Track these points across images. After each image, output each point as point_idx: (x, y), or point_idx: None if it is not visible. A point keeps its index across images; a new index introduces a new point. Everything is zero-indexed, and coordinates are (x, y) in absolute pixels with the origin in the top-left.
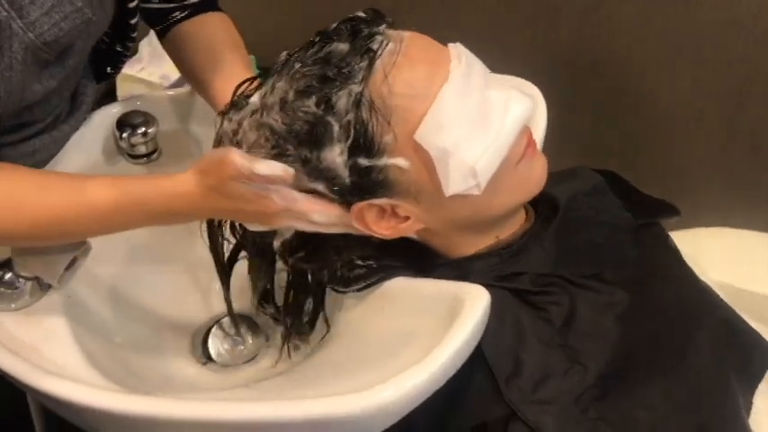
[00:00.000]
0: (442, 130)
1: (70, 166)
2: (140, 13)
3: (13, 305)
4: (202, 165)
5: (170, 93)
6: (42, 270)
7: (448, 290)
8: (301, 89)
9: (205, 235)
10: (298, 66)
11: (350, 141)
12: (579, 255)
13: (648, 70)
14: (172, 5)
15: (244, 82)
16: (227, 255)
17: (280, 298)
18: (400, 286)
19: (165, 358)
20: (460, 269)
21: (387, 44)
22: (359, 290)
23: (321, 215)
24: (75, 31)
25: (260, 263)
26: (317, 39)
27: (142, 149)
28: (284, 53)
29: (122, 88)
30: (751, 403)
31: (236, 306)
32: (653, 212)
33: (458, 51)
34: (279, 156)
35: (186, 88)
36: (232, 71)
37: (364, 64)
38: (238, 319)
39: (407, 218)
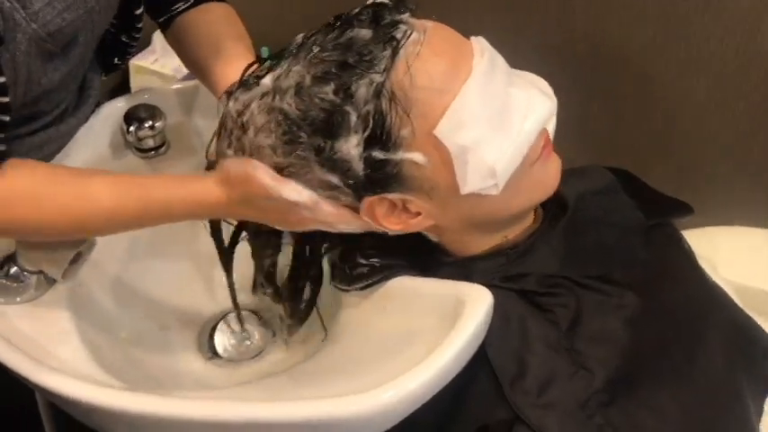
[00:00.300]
0: (462, 127)
1: (77, 159)
2: (144, 5)
3: (18, 298)
4: (227, 176)
5: (177, 86)
6: (47, 264)
7: (450, 290)
8: (319, 75)
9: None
10: (316, 50)
11: (367, 133)
12: (587, 256)
13: (667, 65)
14: None
15: (254, 62)
16: (227, 240)
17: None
18: (403, 285)
19: (170, 353)
20: (466, 269)
21: (410, 33)
22: (361, 288)
23: (346, 226)
24: (79, 21)
25: (265, 241)
26: (338, 23)
27: (150, 143)
28: (300, 35)
29: (136, 80)
30: (762, 407)
31: (243, 301)
32: (666, 212)
33: (481, 46)
34: (290, 142)
35: (194, 81)
36: (235, 58)
37: (387, 53)
38: (245, 314)
39: (418, 214)
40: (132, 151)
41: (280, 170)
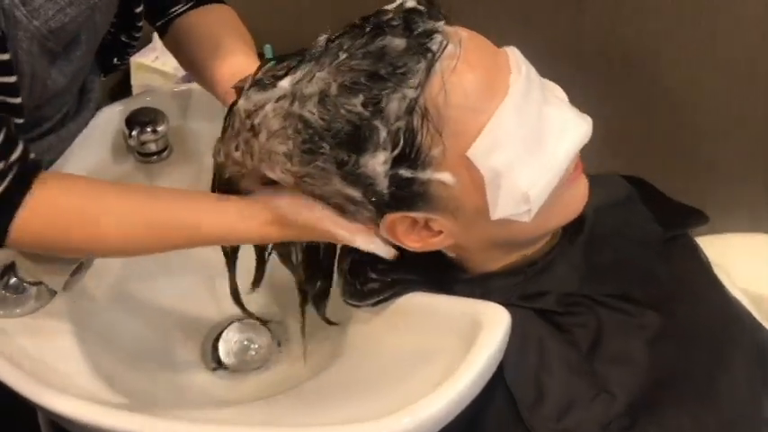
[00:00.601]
0: (497, 150)
1: (77, 165)
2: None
3: (17, 310)
4: (283, 219)
5: (181, 88)
6: (47, 275)
7: (466, 309)
8: (347, 84)
9: None
10: (344, 57)
11: (397, 151)
12: (606, 273)
13: (680, 66)
14: None
15: (269, 60)
16: None
17: None
18: (416, 302)
19: (174, 364)
20: (482, 286)
21: (446, 45)
22: (373, 305)
23: (376, 249)
24: (82, 17)
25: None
26: (367, 28)
27: (152, 147)
28: (323, 37)
29: (137, 77)
30: None
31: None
32: (682, 222)
33: (516, 59)
34: (310, 152)
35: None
36: (236, 57)
37: (422, 66)
38: (250, 323)
39: (440, 232)
40: (134, 156)
41: (298, 178)
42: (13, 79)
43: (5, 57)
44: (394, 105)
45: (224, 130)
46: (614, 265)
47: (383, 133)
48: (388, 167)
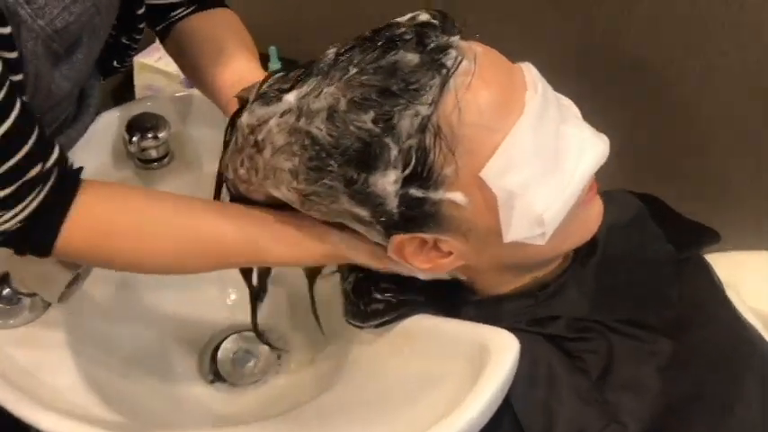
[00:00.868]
0: (511, 171)
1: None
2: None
3: (11, 321)
4: (338, 254)
5: (182, 94)
6: (41, 287)
7: (474, 334)
8: (357, 100)
9: None
10: (354, 71)
11: (408, 170)
12: (618, 297)
13: (690, 81)
14: (175, 1)
15: (274, 73)
16: None
17: None
18: (422, 325)
19: (171, 377)
20: (492, 309)
21: (460, 60)
22: (376, 326)
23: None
24: (85, 16)
25: None
26: (378, 42)
27: (153, 154)
28: (332, 50)
29: (140, 78)
30: None
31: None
32: (694, 242)
33: (533, 77)
34: (317, 170)
35: None
36: (238, 64)
37: (436, 82)
38: (250, 335)
39: (450, 253)
40: (134, 162)
41: (304, 196)
42: (19, 77)
43: (13, 55)
44: (406, 123)
45: (226, 144)
46: (626, 288)
47: (394, 151)
48: (399, 187)
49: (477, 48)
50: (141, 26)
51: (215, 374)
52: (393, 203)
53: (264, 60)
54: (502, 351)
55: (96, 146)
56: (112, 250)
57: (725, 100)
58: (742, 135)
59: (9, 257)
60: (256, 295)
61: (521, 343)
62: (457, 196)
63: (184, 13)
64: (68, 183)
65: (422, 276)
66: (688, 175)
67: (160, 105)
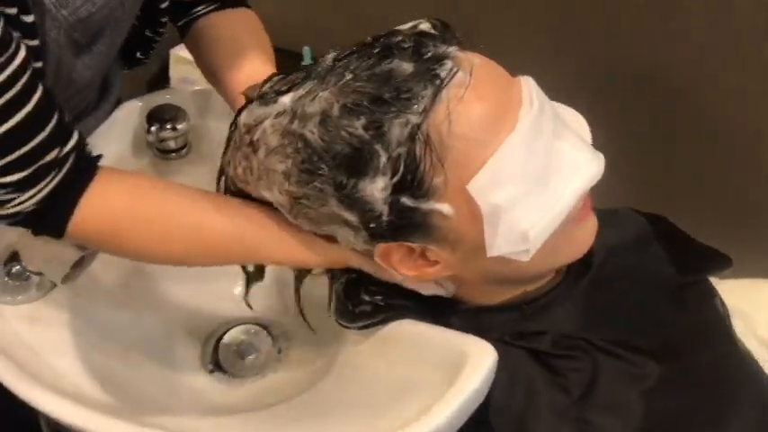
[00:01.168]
0: (499, 186)
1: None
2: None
3: (19, 297)
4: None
5: (202, 87)
6: (47, 267)
7: (454, 343)
8: (350, 106)
9: None
10: (349, 77)
11: (397, 178)
12: (610, 317)
13: (707, 93)
14: None
15: (276, 74)
16: None
17: None
18: (406, 331)
19: (171, 365)
20: (478, 320)
21: (455, 72)
22: (361, 328)
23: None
24: (108, 7)
25: None
26: (375, 49)
27: (171, 145)
28: (330, 56)
29: (175, 70)
30: None
31: (253, 314)
32: (702, 266)
33: (530, 91)
34: (308, 173)
35: None
36: (249, 66)
37: (428, 92)
38: (253, 329)
39: (437, 263)
40: (153, 152)
41: (294, 199)
42: (39, 64)
43: (34, 43)
44: (396, 131)
45: (227, 142)
46: (619, 309)
47: (383, 158)
48: (388, 194)
49: (475, 59)
50: (164, 20)
51: (215, 364)
52: (382, 210)
53: (299, 60)
54: (478, 360)
55: (117, 134)
56: (122, 239)
57: (749, 119)
58: (765, 159)
59: (20, 236)
60: (252, 278)
61: (502, 356)
62: (445, 207)
63: (205, 10)
64: (85, 169)
65: (408, 285)
66: (705, 197)
67: (181, 98)
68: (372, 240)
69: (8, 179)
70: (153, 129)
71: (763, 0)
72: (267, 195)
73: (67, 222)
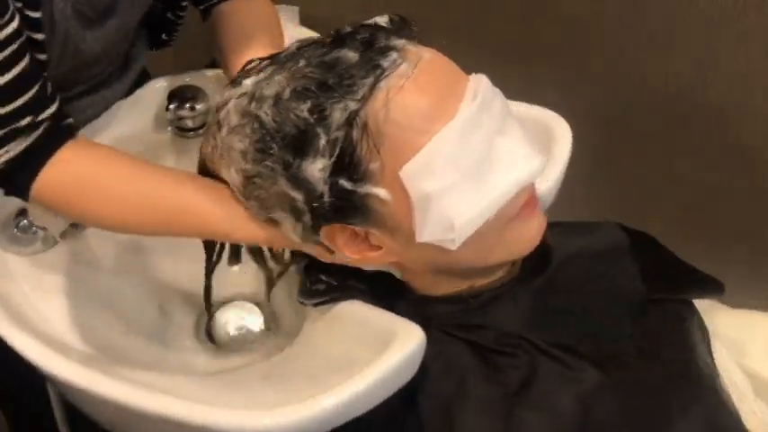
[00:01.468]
0: (430, 174)
1: (117, 130)
2: None
3: (24, 249)
4: (276, 240)
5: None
6: (48, 221)
7: (387, 324)
8: (299, 90)
9: None
10: (302, 63)
11: (333, 159)
12: (557, 320)
13: (711, 107)
14: None
15: (252, 60)
16: None
17: None
18: (351, 311)
19: (163, 333)
20: (423, 309)
21: (400, 64)
22: (315, 305)
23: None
24: None
25: None
26: (331, 39)
27: (188, 123)
28: (295, 44)
29: None
30: None
31: (248, 292)
32: (682, 288)
33: (476, 87)
34: (262, 152)
35: None
36: (253, 53)
37: (368, 81)
38: (248, 305)
39: (379, 247)
40: (172, 129)
41: (248, 178)
42: (41, 36)
43: (36, 15)
44: (336, 115)
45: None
46: (569, 315)
47: (323, 140)
48: (327, 175)
49: (425, 54)
50: (184, 4)
51: (208, 336)
52: (323, 190)
53: None
54: (404, 341)
55: (141, 108)
56: (79, 207)
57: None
58: None
59: None
60: (215, 261)
61: (440, 344)
62: (381, 192)
63: None
64: (55, 137)
65: (355, 265)
66: (715, 223)
67: (203, 80)
68: (318, 221)
69: None
70: (172, 107)
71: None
72: (224, 175)
73: (31, 185)
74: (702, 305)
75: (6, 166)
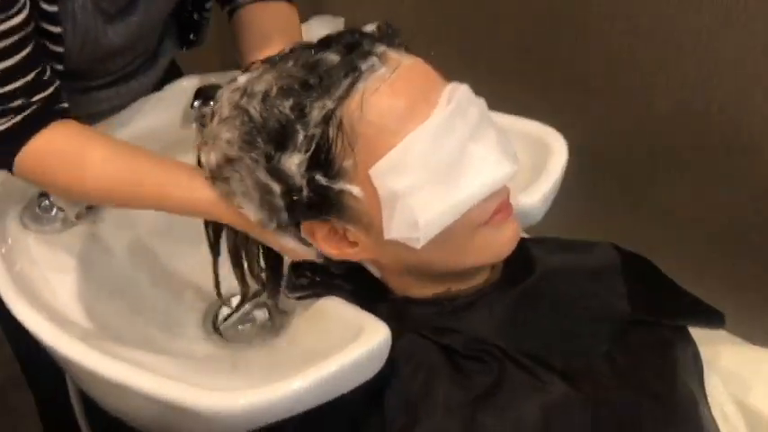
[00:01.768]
0: (398, 173)
1: (142, 123)
2: None
3: (44, 227)
4: (217, 207)
5: None
6: (64, 202)
7: (356, 320)
8: (284, 88)
9: None
10: (290, 63)
11: (309, 154)
12: (531, 332)
13: (717, 126)
14: None
15: (254, 61)
16: None
17: None
18: (328, 306)
19: (170, 322)
20: (399, 310)
21: (378, 68)
22: (297, 299)
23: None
24: None
25: None
26: (318, 43)
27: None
28: (290, 45)
29: None
30: None
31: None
32: (672, 313)
33: (452, 93)
34: (248, 143)
35: None
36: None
37: (346, 82)
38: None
39: (356, 244)
40: (196, 126)
41: (228, 161)
42: (58, 29)
43: (53, 8)
44: (315, 113)
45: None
46: (545, 327)
47: (300, 136)
48: (304, 170)
49: (406, 61)
50: (208, 5)
51: (213, 327)
52: (301, 185)
53: None
54: (368, 337)
55: (170, 102)
56: (49, 177)
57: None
58: None
59: None
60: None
61: (412, 345)
62: (355, 189)
63: (246, 0)
64: (44, 117)
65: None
66: (735, 252)
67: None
68: (297, 214)
69: None
70: (196, 104)
71: None
72: (203, 159)
73: (14, 159)
74: (709, 335)
75: None
